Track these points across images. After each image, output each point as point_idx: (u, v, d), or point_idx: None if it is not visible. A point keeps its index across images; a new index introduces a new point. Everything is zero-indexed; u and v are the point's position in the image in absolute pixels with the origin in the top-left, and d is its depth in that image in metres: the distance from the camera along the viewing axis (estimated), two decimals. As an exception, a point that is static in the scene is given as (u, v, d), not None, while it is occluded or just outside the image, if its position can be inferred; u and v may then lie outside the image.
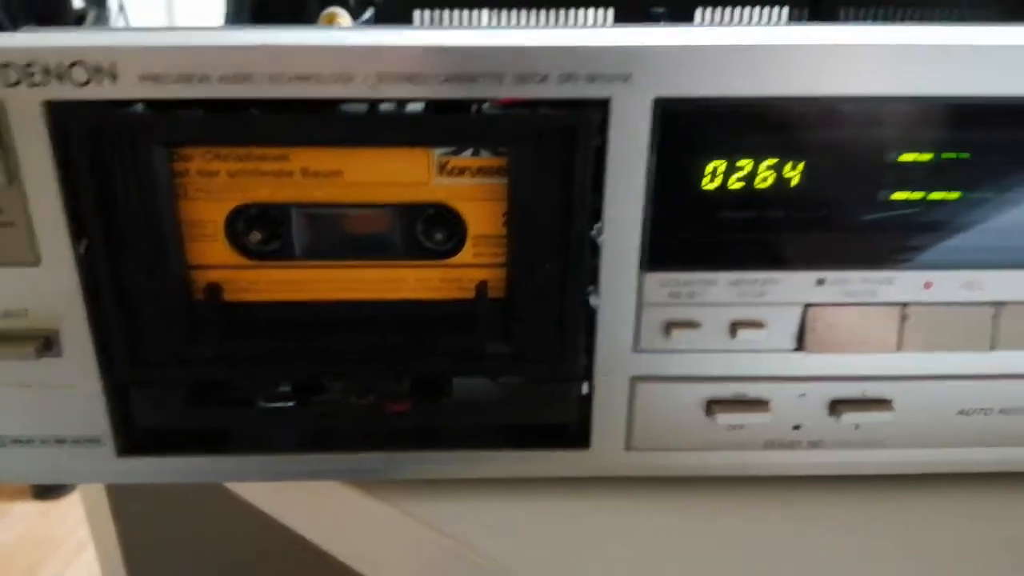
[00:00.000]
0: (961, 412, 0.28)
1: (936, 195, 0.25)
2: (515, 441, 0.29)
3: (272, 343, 0.27)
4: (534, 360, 0.27)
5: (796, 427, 0.28)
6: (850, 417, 0.28)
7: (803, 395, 0.28)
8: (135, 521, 0.50)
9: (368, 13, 0.52)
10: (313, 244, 0.26)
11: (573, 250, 0.26)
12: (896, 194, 0.25)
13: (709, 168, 0.25)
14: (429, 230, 0.27)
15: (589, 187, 0.25)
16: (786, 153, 0.25)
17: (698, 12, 0.56)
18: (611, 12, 0.55)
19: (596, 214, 0.25)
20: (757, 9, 0.57)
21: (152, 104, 0.24)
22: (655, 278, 0.26)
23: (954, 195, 0.25)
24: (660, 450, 0.28)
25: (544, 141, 0.24)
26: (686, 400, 0.28)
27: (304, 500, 0.32)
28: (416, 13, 0.53)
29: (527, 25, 0.54)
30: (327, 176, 0.26)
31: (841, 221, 0.25)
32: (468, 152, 0.25)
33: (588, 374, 0.27)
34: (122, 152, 0.24)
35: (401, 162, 0.25)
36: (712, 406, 0.28)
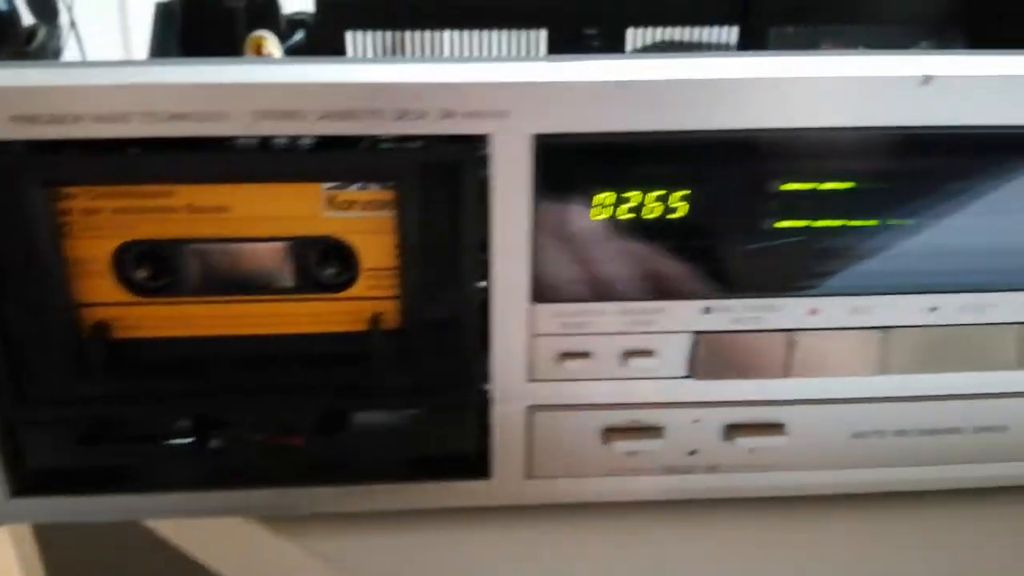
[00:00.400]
0: (856, 435, 0.29)
1: (820, 223, 0.26)
2: (417, 473, 0.29)
3: (163, 380, 0.27)
4: (430, 391, 0.27)
5: (692, 452, 0.28)
6: (744, 441, 0.28)
7: (697, 421, 0.28)
8: (63, 554, 0.49)
9: (298, 35, 0.52)
10: (202, 280, 0.26)
11: (463, 283, 0.26)
12: (780, 223, 0.26)
13: (595, 200, 0.25)
14: (321, 264, 0.27)
15: (475, 221, 0.25)
16: (669, 184, 0.25)
17: (629, 32, 0.57)
18: (543, 34, 0.55)
19: (484, 247, 0.25)
20: (688, 29, 0.58)
21: (34, 144, 0.23)
22: (545, 309, 0.26)
23: (837, 223, 0.26)
24: (560, 477, 0.29)
25: (428, 176, 0.25)
26: (583, 428, 0.28)
27: (213, 536, 0.32)
28: (348, 35, 0.53)
29: (461, 46, 0.54)
30: (214, 211, 0.25)
31: (726, 250, 0.26)
32: (357, 186, 0.25)
33: (485, 405, 0.27)
34: (1, 193, 0.24)
35: (289, 196, 0.25)
36: (608, 433, 0.28)
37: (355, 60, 0.24)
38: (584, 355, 0.27)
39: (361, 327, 0.27)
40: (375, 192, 0.26)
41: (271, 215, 0.26)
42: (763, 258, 0.26)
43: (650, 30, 0.56)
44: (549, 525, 0.29)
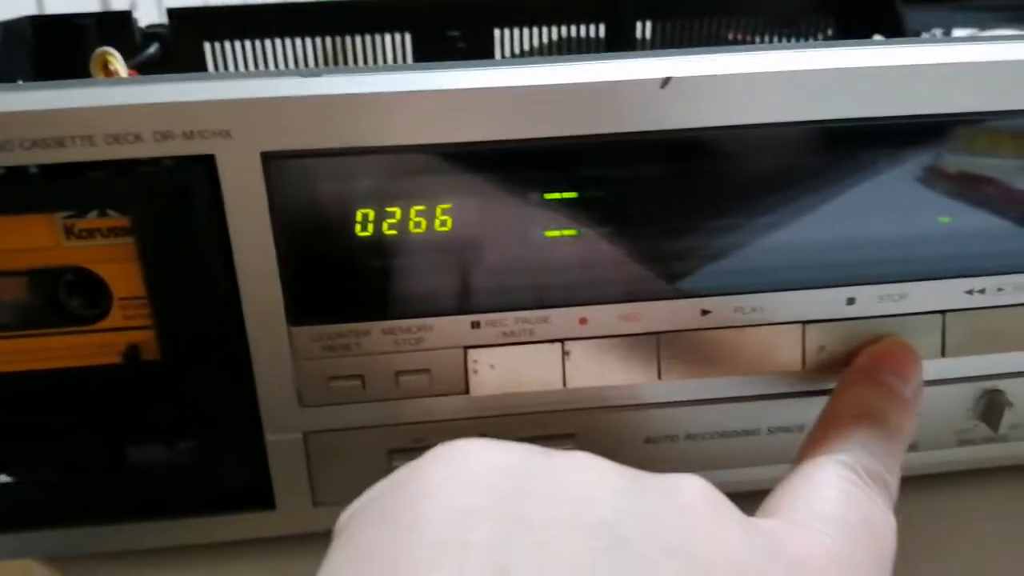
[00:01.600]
0: (648, 440, 0.28)
1: (584, 232, 0.25)
2: (204, 506, 0.28)
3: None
4: (197, 423, 0.26)
5: (484, 469, 0.28)
6: (535, 455, 0.27)
7: (483, 435, 0.27)
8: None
9: (153, 47, 0.50)
10: (-56, 319, 0.25)
11: (213, 310, 0.25)
12: (545, 232, 0.25)
13: (356, 217, 0.24)
14: (71, 295, 0.25)
15: (215, 246, 0.24)
16: (428, 199, 0.24)
17: (496, 33, 0.56)
18: (408, 37, 0.54)
19: (230, 272, 0.24)
20: (555, 28, 0.57)
21: None
22: (304, 332, 0.25)
23: (603, 230, 0.25)
24: (348, 503, 0.28)
25: (159, 201, 0.23)
26: (365, 451, 0.27)
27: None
28: (207, 46, 0.52)
29: (324, 53, 0.53)
30: (-54, 248, 0.24)
31: (491, 263, 0.25)
32: (94, 213, 0.24)
33: (258, 433, 0.26)
34: None
35: (23, 227, 0.24)
36: (393, 455, 0.27)
37: (68, 85, 0.22)
38: (354, 376, 0.26)
39: (119, 359, 0.26)
40: (113, 219, 0.24)
41: (7, 247, 0.24)
42: (532, 269, 0.25)
43: (516, 31, 0.56)
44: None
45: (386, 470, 0.27)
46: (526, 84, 0.23)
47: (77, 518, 0.28)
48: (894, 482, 0.22)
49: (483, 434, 0.27)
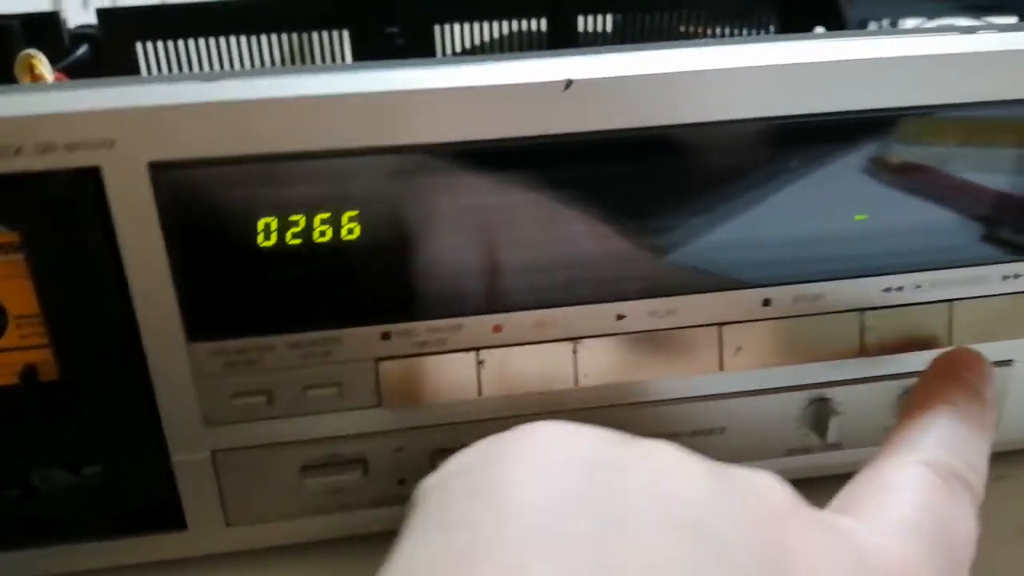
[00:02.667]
0: (570, 448, 0.28)
1: (493, 237, 0.24)
2: (115, 528, 0.27)
3: None
4: (98, 445, 0.25)
5: (401, 481, 0.27)
6: (454, 466, 0.27)
7: (400, 449, 0.27)
8: None
9: (82, 49, 0.49)
10: None
11: (108, 327, 0.24)
12: (456, 238, 0.24)
13: (241, 227, 0.23)
14: (-39, 315, 0.24)
15: (105, 261, 0.23)
16: (331, 206, 0.24)
17: (436, 30, 0.55)
18: (347, 34, 0.53)
19: (123, 287, 0.23)
20: (496, 24, 0.57)
21: None
22: (204, 348, 0.24)
23: (513, 236, 0.24)
24: (263, 522, 0.27)
25: (46, 215, 0.22)
26: (277, 468, 0.26)
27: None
28: (139, 46, 0.50)
29: (260, 52, 0.52)
30: None
31: (400, 272, 0.24)
32: (-19, 229, 0.23)
33: (163, 453, 0.25)
34: None
35: (-95, 246, 0.23)
36: (306, 471, 0.26)
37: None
38: (261, 392, 0.25)
39: (16, 380, 0.25)
40: (6, 235, 0.23)
41: None
42: (443, 276, 0.25)
43: (457, 27, 0.55)
44: (258, 570, 0.27)
45: (301, 487, 0.26)
46: (430, 87, 0.22)
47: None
48: (978, 481, 0.21)
49: (399, 448, 0.27)
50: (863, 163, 0.25)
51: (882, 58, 0.24)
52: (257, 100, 0.22)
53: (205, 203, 0.23)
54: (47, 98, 0.21)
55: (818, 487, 0.29)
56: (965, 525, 0.20)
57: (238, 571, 0.27)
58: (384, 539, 0.27)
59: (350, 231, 0.24)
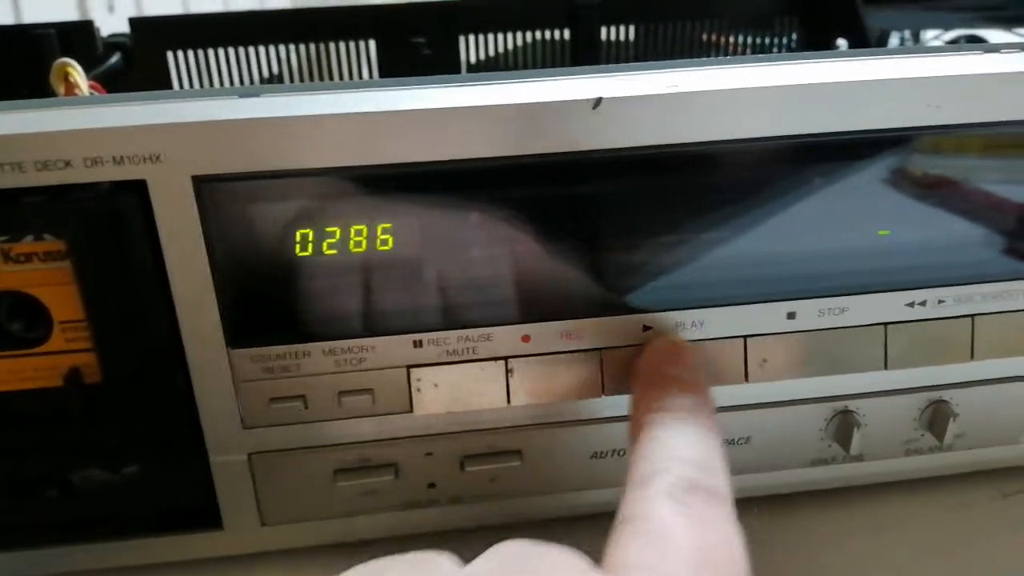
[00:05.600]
0: (594, 455, 0.28)
1: (524, 250, 0.25)
2: (153, 527, 0.28)
3: None
4: (140, 446, 0.26)
5: (431, 485, 0.28)
6: (481, 470, 0.27)
7: (430, 454, 0.27)
8: None
9: (115, 57, 0.50)
10: None
11: (150, 332, 0.25)
12: (487, 250, 0.25)
13: (280, 238, 0.24)
14: (11, 319, 0.25)
15: (149, 270, 0.24)
16: (367, 219, 0.24)
17: (461, 40, 0.56)
18: (373, 44, 0.54)
19: (167, 296, 0.24)
20: (520, 34, 0.57)
21: None
22: (244, 354, 0.25)
23: (543, 248, 0.25)
24: (297, 522, 0.28)
25: (93, 226, 0.23)
26: (311, 471, 0.27)
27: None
28: (170, 55, 0.51)
29: (288, 61, 0.53)
30: None
31: (432, 281, 0.25)
32: (30, 238, 0.24)
33: (202, 455, 0.26)
34: None
35: (-41, 253, 0.24)
36: (339, 474, 0.27)
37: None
38: (296, 398, 0.26)
39: (61, 382, 0.26)
40: (52, 243, 0.24)
41: (-56, 272, 0.24)
42: (474, 287, 0.25)
43: (482, 37, 0.55)
44: (291, 570, 0.28)
45: (335, 489, 0.27)
46: (461, 105, 0.23)
47: (23, 541, 0.28)
48: (720, 481, 0.21)
49: (429, 453, 0.27)
50: (886, 179, 0.26)
51: (905, 79, 0.24)
52: (296, 117, 0.22)
53: (245, 215, 0.24)
54: (95, 113, 0.22)
55: (840, 498, 0.30)
56: (725, 536, 0.19)
57: (272, 572, 0.28)
58: (413, 541, 0.28)
59: (383, 242, 0.25)
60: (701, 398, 0.23)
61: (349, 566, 0.27)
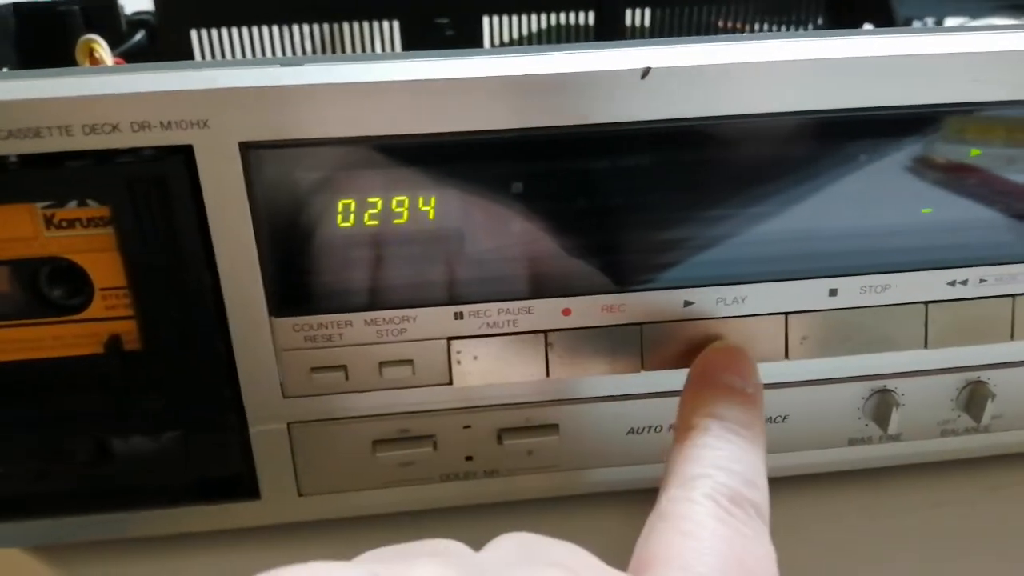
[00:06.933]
0: (631, 431, 0.28)
1: (565, 222, 0.25)
2: (189, 496, 0.28)
3: None
4: (179, 414, 0.26)
5: (468, 458, 0.28)
6: (519, 444, 0.27)
7: (468, 427, 0.27)
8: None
9: (139, 35, 0.50)
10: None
11: (194, 300, 0.25)
12: (528, 222, 0.25)
13: (338, 207, 0.24)
14: (52, 285, 0.25)
15: (194, 236, 0.24)
16: (410, 190, 0.24)
17: (485, 20, 0.56)
18: (396, 24, 0.54)
19: (210, 263, 0.24)
20: (544, 16, 0.57)
21: None
22: (286, 323, 0.25)
23: (584, 221, 0.25)
24: (334, 493, 0.28)
25: (138, 191, 0.23)
26: (349, 441, 0.27)
27: None
28: (193, 33, 0.51)
29: (312, 40, 0.53)
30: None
31: (473, 253, 0.25)
32: (74, 203, 0.24)
33: (241, 424, 0.26)
34: None
35: (3, 217, 0.24)
36: (377, 445, 0.27)
37: (45, 74, 0.22)
38: (337, 367, 0.26)
39: (102, 349, 0.26)
40: (95, 209, 0.24)
41: (-11, 238, 0.24)
42: (515, 260, 0.25)
43: (505, 18, 0.55)
44: (327, 541, 0.28)
45: (372, 460, 0.27)
46: (505, 74, 0.23)
47: (62, 508, 0.28)
48: (761, 496, 0.21)
49: (467, 426, 0.27)
50: (930, 156, 0.26)
51: (949, 53, 0.24)
52: (344, 84, 0.22)
53: (291, 183, 0.23)
54: (143, 79, 0.22)
55: (877, 477, 0.30)
56: (761, 551, 0.20)
57: (308, 542, 0.28)
58: (451, 514, 0.28)
59: (425, 214, 0.25)
60: (755, 413, 0.23)
61: (386, 539, 0.27)
